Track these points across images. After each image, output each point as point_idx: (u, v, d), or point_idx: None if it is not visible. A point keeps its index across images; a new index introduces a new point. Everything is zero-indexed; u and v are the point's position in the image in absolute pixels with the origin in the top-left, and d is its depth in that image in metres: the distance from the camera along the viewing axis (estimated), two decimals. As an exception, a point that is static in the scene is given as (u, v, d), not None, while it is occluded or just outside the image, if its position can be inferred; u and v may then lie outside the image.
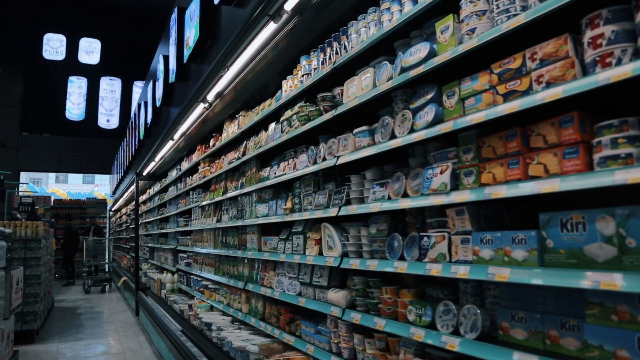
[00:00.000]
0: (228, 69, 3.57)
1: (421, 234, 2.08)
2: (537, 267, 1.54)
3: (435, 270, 1.92)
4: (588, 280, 1.34)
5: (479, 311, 1.78)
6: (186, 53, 4.74)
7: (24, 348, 6.21)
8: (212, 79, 3.88)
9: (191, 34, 4.50)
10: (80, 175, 37.19)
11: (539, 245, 1.55)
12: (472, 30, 1.80)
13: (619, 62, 1.31)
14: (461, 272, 1.78)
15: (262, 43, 3.14)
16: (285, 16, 2.76)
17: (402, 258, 2.18)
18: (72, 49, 18.93)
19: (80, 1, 18.41)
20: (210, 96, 4.30)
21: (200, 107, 4.65)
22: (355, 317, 2.49)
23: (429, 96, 2.05)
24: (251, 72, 3.71)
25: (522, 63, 1.62)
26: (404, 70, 2.15)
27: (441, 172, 1.95)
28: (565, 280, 1.41)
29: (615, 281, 1.28)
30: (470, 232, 1.83)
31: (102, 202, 19.38)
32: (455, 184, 1.91)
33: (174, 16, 5.36)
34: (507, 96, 1.65)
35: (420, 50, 2.05)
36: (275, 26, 2.86)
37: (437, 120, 1.97)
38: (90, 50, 19.11)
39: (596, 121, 1.43)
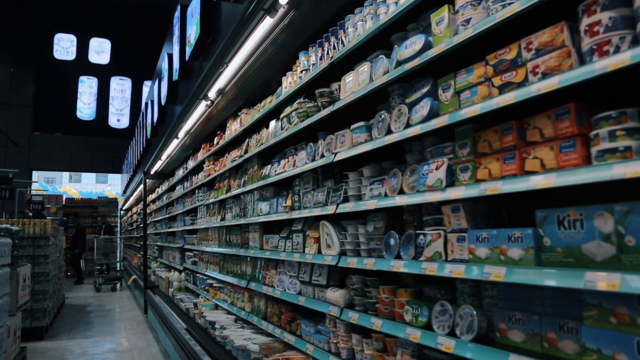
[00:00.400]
0: (227, 66, 3.54)
1: (417, 231, 2.02)
2: (533, 266, 1.48)
3: (430, 269, 1.86)
4: (585, 280, 1.27)
5: (475, 312, 1.72)
6: (188, 50, 4.73)
7: (33, 345, 6.27)
8: (211, 75, 3.85)
9: (192, 31, 4.47)
10: (93, 175, 37.53)
11: (536, 243, 1.48)
12: (467, 21, 1.74)
13: (617, 50, 1.24)
14: (457, 271, 1.72)
15: (260, 38, 3.09)
16: (281, 10, 2.71)
17: (398, 256, 2.13)
18: (82, 49, 19.12)
19: (90, 1, 18.57)
20: (212, 93, 4.27)
21: (202, 105, 4.63)
22: (353, 316, 2.44)
23: (425, 90, 1.99)
24: (251, 68, 3.67)
25: (518, 54, 1.55)
26: (399, 63, 2.09)
27: (437, 168, 1.89)
28: (562, 281, 1.34)
29: (614, 281, 1.21)
30: (466, 230, 1.77)
31: (113, 201, 19.56)
32: (451, 180, 1.84)
33: (177, 14, 5.35)
34: (503, 88, 1.59)
35: (415, 42, 1.99)
36: (271, 21, 2.82)
37: (433, 114, 1.91)
38: (100, 50, 19.28)
39: (595, 113, 1.36)
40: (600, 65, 1.24)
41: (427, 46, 1.94)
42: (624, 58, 1.18)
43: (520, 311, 1.61)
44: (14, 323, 4.57)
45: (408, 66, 2.02)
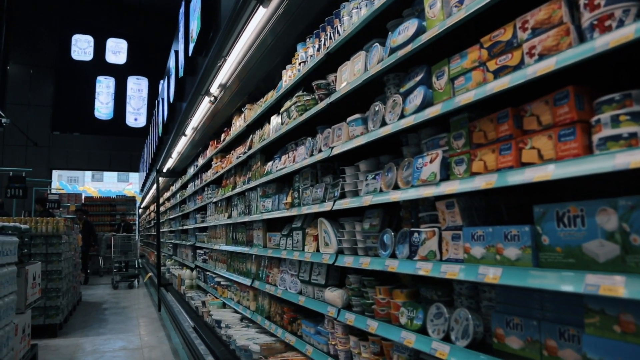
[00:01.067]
0: (225, 60, 3.45)
1: (412, 229, 1.90)
2: (531, 267, 1.35)
3: (425, 269, 1.74)
4: (586, 284, 1.14)
5: (470, 316, 1.59)
6: (191, 46, 4.66)
7: (46, 342, 6.32)
8: (211, 70, 3.77)
9: (194, 26, 4.41)
10: (115, 174, 38.18)
11: (533, 242, 1.35)
12: (461, 2, 1.61)
13: (620, 25, 1.10)
14: (451, 271, 1.60)
15: (255, 29, 3.00)
16: (274, 0, 2.61)
17: (394, 255, 2.01)
18: (99, 49, 19.35)
19: (107, 2, 18.78)
20: (213, 89, 4.20)
21: (205, 101, 4.56)
22: (350, 318, 2.33)
23: (418, 78, 1.87)
24: (251, 61, 3.58)
25: (513, 34, 1.41)
26: (393, 50, 1.97)
27: (431, 161, 1.76)
28: (560, 284, 1.21)
29: (617, 285, 1.08)
30: (461, 227, 1.64)
31: (132, 200, 19.79)
32: (446, 174, 1.72)
33: (182, 10, 5.29)
34: (498, 73, 1.45)
35: (408, 28, 1.86)
36: (265, 11, 2.72)
37: (426, 103, 1.78)
38: (117, 50, 19.49)
39: (597, 97, 1.22)
40: (601, 42, 1.10)
41: (420, 31, 1.81)
42: (628, 32, 1.04)
43: (519, 315, 1.48)
44: (22, 321, 4.58)
45: (401, 53, 1.90)
